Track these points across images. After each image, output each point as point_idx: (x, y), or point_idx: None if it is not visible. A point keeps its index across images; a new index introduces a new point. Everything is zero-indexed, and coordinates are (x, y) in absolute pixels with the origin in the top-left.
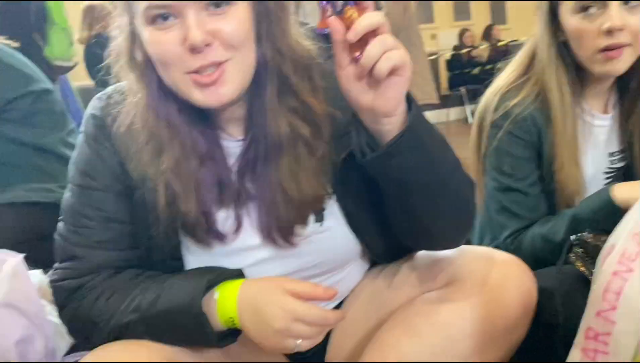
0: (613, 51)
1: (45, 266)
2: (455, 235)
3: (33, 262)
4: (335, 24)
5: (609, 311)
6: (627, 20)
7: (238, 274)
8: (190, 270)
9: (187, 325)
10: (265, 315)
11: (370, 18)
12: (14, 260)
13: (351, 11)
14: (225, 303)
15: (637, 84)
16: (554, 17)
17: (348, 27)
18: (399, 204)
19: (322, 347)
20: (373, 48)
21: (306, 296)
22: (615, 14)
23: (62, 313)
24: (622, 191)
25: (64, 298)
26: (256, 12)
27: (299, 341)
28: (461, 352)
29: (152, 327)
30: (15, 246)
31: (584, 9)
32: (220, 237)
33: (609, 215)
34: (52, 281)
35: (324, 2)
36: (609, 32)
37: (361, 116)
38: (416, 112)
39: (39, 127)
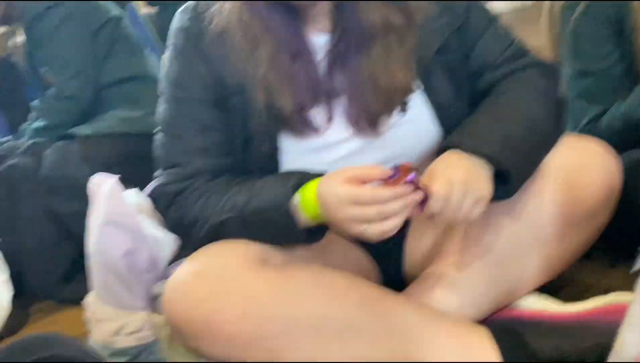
0: None
1: (138, 187)
2: None
3: (126, 184)
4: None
5: None
6: None
7: (319, 176)
8: (277, 174)
9: (278, 222)
10: (329, 208)
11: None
12: (110, 181)
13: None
14: (307, 203)
15: None
16: None
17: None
18: None
19: (401, 239)
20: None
21: (362, 180)
22: None
23: (167, 215)
24: None
25: (168, 201)
26: None
27: (364, 226)
28: (542, 237)
29: (247, 224)
30: (109, 170)
31: None
32: (315, 129)
33: None
34: (156, 187)
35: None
36: None
37: None
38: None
39: (120, 54)
